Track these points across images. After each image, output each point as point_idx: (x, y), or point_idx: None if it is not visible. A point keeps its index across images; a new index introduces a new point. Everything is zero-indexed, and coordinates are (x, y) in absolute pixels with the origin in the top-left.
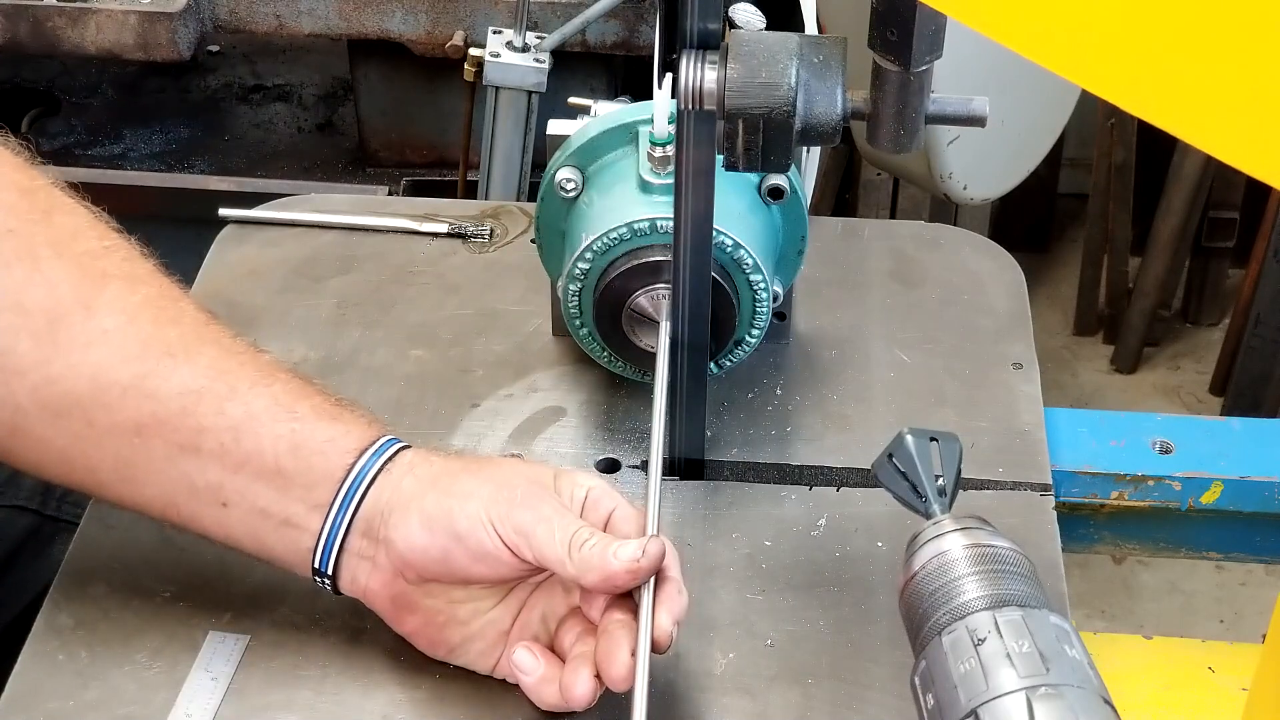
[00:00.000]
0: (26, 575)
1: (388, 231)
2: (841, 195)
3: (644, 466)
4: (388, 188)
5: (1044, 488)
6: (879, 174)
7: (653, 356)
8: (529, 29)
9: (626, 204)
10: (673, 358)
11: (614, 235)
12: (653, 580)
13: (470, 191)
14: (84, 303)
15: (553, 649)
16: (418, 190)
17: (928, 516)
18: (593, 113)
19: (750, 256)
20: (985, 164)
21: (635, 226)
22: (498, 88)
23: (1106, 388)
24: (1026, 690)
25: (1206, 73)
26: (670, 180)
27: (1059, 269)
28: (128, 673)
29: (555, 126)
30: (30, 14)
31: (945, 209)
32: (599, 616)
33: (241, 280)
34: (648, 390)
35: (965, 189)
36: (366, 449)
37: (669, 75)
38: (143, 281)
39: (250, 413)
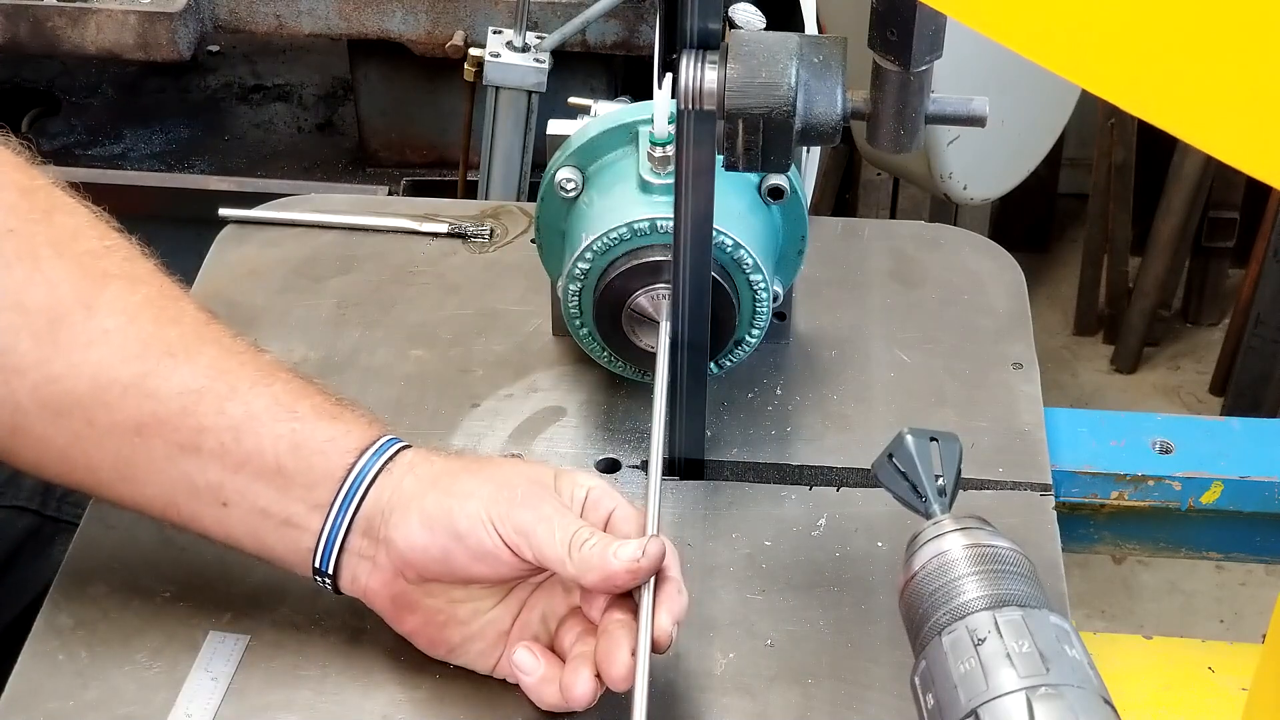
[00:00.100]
0: (26, 575)
1: (388, 231)
2: (841, 195)
3: (644, 466)
4: (388, 188)
5: (1044, 488)
6: (879, 174)
7: (653, 356)
8: (529, 29)
9: (626, 204)
10: (673, 358)
11: (614, 235)
12: (653, 580)
13: (470, 191)
14: (84, 302)
15: (553, 649)
16: (418, 190)
17: (928, 516)
18: (593, 113)
19: (750, 256)
20: (985, 164)
21: (635, 226)
22: (498, 88)
23: (1106, 388)
24: (1026, 690)
25: (1206, 73)
26: (670, 180)
27: (1059, 269)
28: (128, 673)
29: (555, 126)
30: (30, 14)
31: (945, 209)
32: (599, 616)
33: (241, 280)
34: (648, 390)
35: (965, 189)
36: (367, 449)
37: (669, 75)
38: (143, 281)
39: (250, 412)
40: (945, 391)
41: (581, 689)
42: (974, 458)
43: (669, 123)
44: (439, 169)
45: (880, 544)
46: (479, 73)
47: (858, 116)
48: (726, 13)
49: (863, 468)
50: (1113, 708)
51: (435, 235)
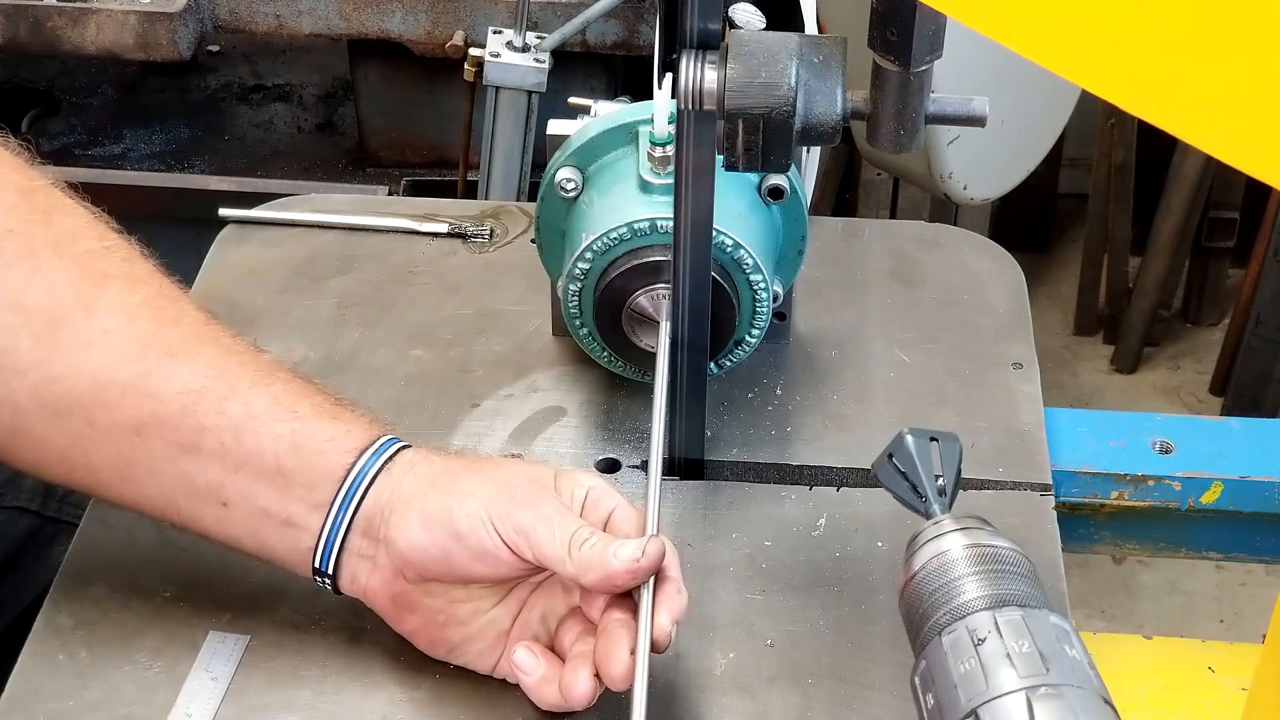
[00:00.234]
0: (26, 576)
1: (388, 231)
2: (841, 195)
3: (644, 466)
4: (388, 188)
5: (1044, 488)
6: (879, 174)
7: (653, 356)
8: (529, 29)
9: (626, 204)
10: (673, 358)
11: (614, 235)
12: (652, 580)
13: (470, 191)
14: (84, 303)
15: (553, 649)
16: (418, 190)
17: (928, 516)
18: (593, 113)
19: (750, 256)
20: (985, 164)
21: (635, 226)
22: (498, 88)
23: (1106, 388)
24: (1026, 690)
25: (1206, 73)
26: (670, 180)
27: (1059, 269)
28: (128, 673)
29: (555, 126)
30: (30, 14)
31: (945, 209)
32: (599, 616)
33: (241, 280)
34: (648, 390)
35: (965, 189)
36: (367, 448)
37: (669, 75)
38: (143, 281)
39: (250, 412)
40: (945, 391)
41: (581, 688)
42: (974, 458)
43: (669, 123)
44: (439, 169)
45: (880, 544)
46: (479, 73)
47: (858, 116)
48: (726, 13)
49: (863, 468)
50: (1113, 708)
51: (435, 235)
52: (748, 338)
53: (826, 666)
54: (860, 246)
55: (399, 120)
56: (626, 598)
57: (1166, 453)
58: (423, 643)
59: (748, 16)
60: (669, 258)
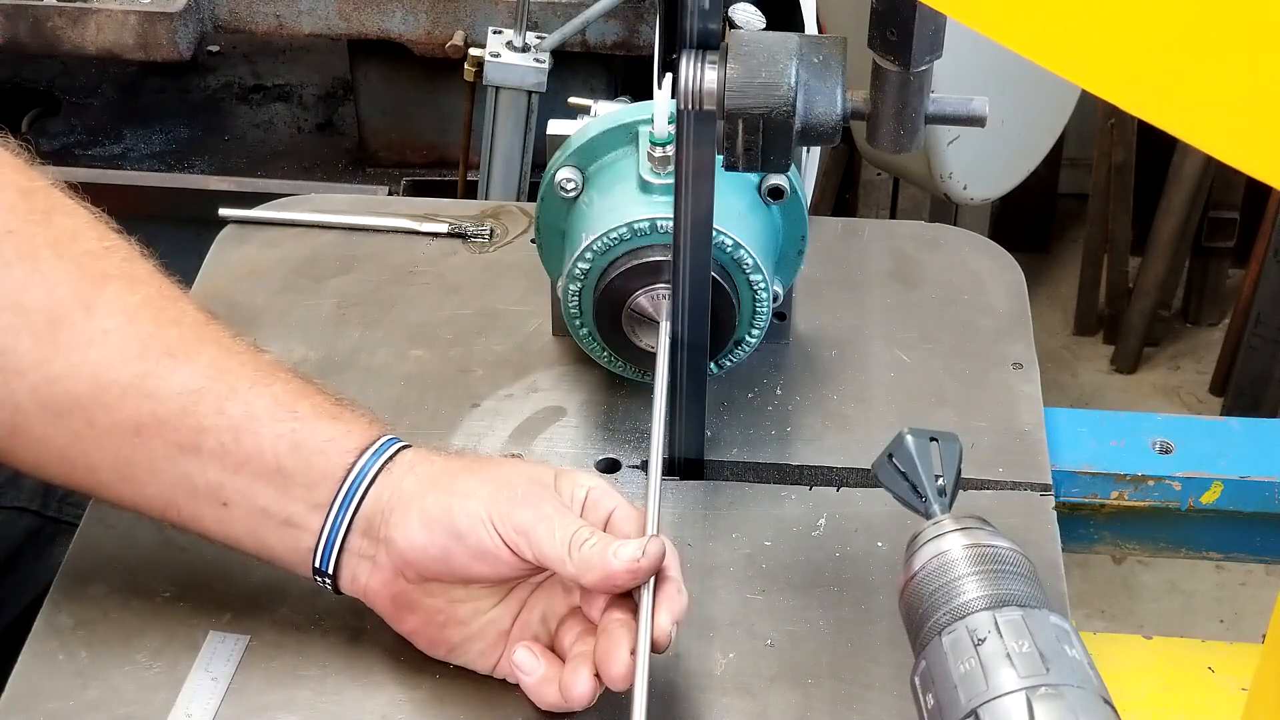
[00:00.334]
0: (26, 576)
1: (388, 231)
2: (841, 195)
3: (644, 466)
4: (388, 188)
5: (1044, 488)
6: (879, 174)
7: (653, 356)
8: (529, 29)
9: (626, 204)
10: (673, 358)
11: (614, 235)
12: (653, 580)
13: (470, 191)
14: (84, 303)
15: (553, 649)
16: (418, 190)
17: (928, 516)
18: (593, 113)
19: (750, 256)
20: (985, 164)
21: (635, 226)
22: (498, 88)
23: (1106, 388)
24: (1026, 690)
25: (1206, 73)
26: (670, 180)
27: (1059, 269)
28: (128, 673)
29: (555, 126)
30: (30, 14)
31: (945, 209)
32: (599, 616)
33: (241, 280)
34: (648, 390)
35: (965, 189)
36: (367, 448)
37: (669, 75)
38: (142, 282)
39: (250, 412)
40: (945, 391)
41: (581, 688)
42: (974, 458)
43: (669, 123)
44: (439, 169)
45: (880, 544)
46: (479, 73)
47: (858, 116)
48: (726, 13)
49: (863, 468)
50: (1113, 708)
51: (435, 235)
52: (748, 338)
53: (826, 666)
54: (860, 246)
55: (399, 120)
56: (626, 598)
57: (1166, 453)
58: (423, 643)
59: (748, 16)
60: (669, 258)
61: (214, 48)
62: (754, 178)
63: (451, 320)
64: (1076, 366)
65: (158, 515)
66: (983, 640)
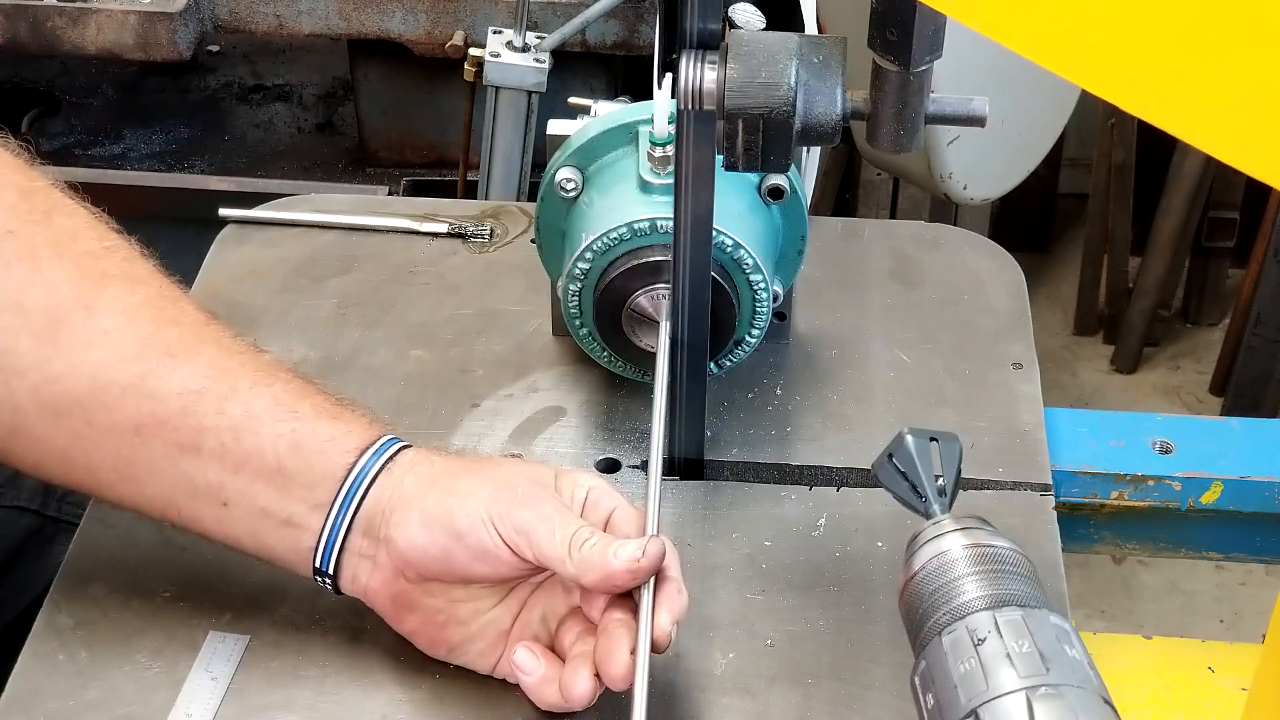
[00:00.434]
0: (27, 575)
1: (388, 231)
2: (841, 195)
3: (644, 466)
4: (388, 188)
5: (1044, 488)
6: (879, 174)
7: (653, 356)
8: (529, 29)
9: (626, 204)
10: (673, 358)
11: (614, 235)
12: (653, 580)
13: (470, 191)
14: (84, 303)
15: (553, 649)
16: (418, 190)
17: (928, 516)
18: (593, 113)
19: (750, 256)
20: (985, 164)
21: (635, 226)
22: (498, 88)
23: (1106, 388)
24: (1026, 690)
25: (1206, 73)
26: (670, 180)
27: (1059, 269)
28: (128, 673)
29: (555, 126)
30: (30, 14)
31: (945, 209)
32: (599, 616)
33: (241, 280)
34: (648, 390)
35: (965, 189)
36: (367, 448)
37: (669, 75)
38: (142, 282)
39: (250, 412)
40: (945, 391)
41: (581, 688)
42: (974, 458)
43: (669, 123)
44: (439, 169)
45: (880, 544)
46: (479, 73)
47: (858, 116)
48: (726, 13)
49: (863, 468)
50: (1113, 708)
51: (435, 235)
52: (748, 338)
53: (826, 666)
54: (860, 246)
55: (399, 120)
56: (627, 598)
57: (1166, 453)
58: (423, 643)
59: (748, 16)
60: (669, 258)
61: (214, 48)
62: (754, 178)
63: (451, 320)
64: (1076, 366)
65: (158, 515)
66: (983, 640)
